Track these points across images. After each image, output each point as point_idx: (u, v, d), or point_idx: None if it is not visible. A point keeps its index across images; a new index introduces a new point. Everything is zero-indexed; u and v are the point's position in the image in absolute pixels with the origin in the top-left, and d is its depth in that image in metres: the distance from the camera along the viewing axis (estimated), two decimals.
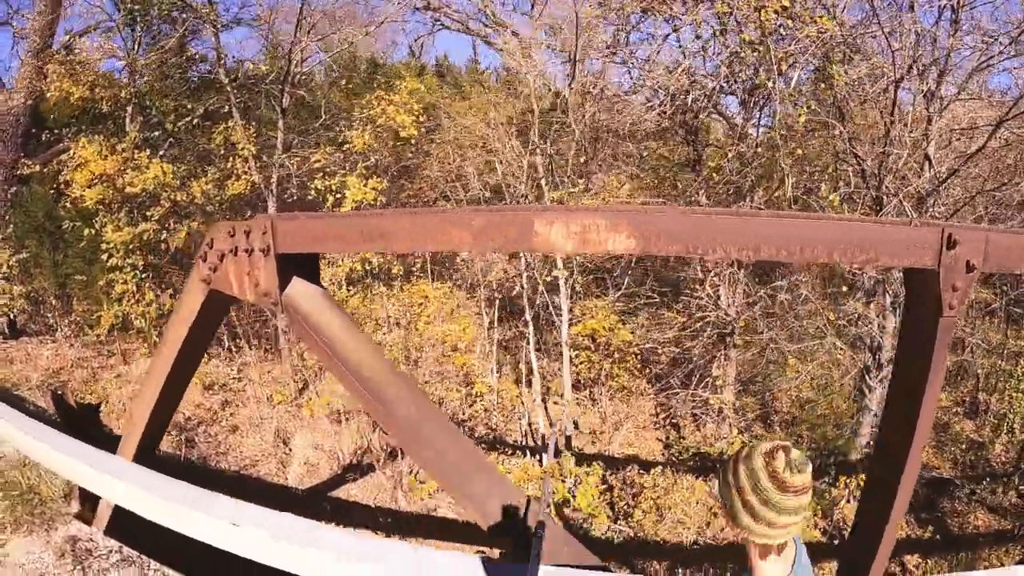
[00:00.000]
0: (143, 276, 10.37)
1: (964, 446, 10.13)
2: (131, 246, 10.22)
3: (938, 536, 8.48)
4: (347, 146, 9.98)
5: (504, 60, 14.96)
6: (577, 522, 8.70)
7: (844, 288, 10.45)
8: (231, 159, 10.33)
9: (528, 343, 9.25)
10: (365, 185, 9.29)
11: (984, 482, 9.32)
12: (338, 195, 9.48)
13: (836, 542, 8.49)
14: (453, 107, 11.44)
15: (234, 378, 10.80)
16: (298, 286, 3.47)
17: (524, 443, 9.54)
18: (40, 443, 5.58)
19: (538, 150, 9.32)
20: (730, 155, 9.66)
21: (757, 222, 2.80)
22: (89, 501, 5.77)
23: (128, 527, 5.24)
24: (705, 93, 9.53)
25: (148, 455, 5.10)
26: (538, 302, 9.57)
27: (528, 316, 9.08)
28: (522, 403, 9.68)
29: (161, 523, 4.28)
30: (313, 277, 3.58)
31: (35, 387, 9.90)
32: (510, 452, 9.24)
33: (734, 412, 10.96)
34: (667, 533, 9.08)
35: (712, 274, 10.56)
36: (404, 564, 3.25)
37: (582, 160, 10.46)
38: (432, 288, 9.56)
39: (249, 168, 10.15)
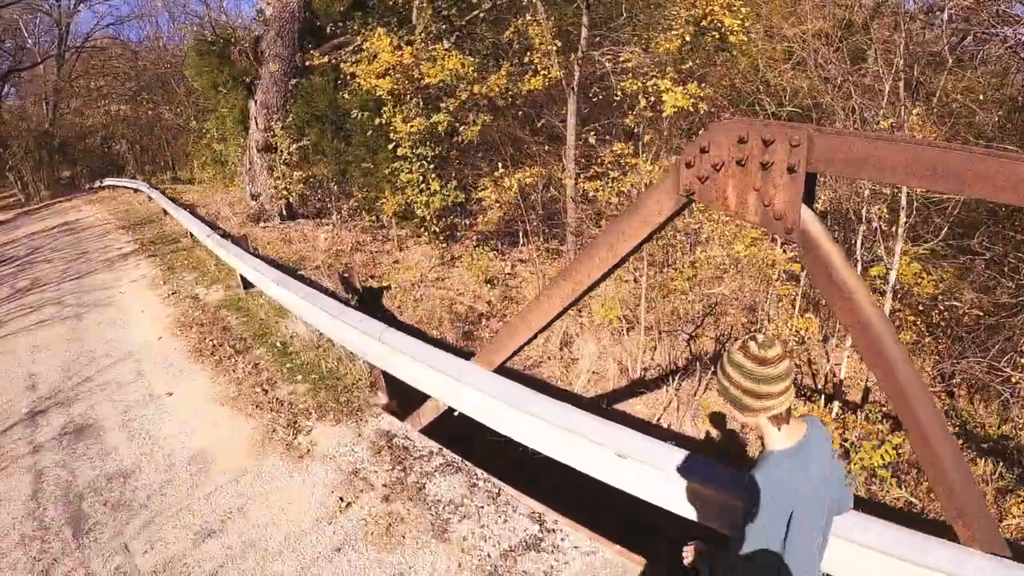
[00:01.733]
0: (430, 166, 10.47)
1: None
2: (419, 137, 10.32)
3: None
4: (658, 47, 9.28)
5: None
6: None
7: None
8: (529, 53, 9.99)
9: None
10: (684, 90, 8.58)
11: None
12: (651, 99, 8.88)
13: None
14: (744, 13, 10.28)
15: (508, 274, 10.73)
16: (805, 212, 2.89)
17: (821, 388, 8.74)
18: (369, 338, 5.21)
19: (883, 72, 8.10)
20: None
21: None
22: (397, 394, 5.48)
23: (447, 431, 4.90)
24: None
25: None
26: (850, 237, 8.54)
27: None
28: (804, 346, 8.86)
29: (526, 442, 3.97)
30: (810, 200, 3.00)
31: (319, 267, 10.30)
32: (806, 396, 8.51)
33: None
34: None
35: None
36: None
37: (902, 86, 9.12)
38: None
39: (550, 64, 9.76)
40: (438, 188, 10.25)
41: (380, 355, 5.17)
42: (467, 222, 10.72)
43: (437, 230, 10.45)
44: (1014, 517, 7.47)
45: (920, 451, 2.93)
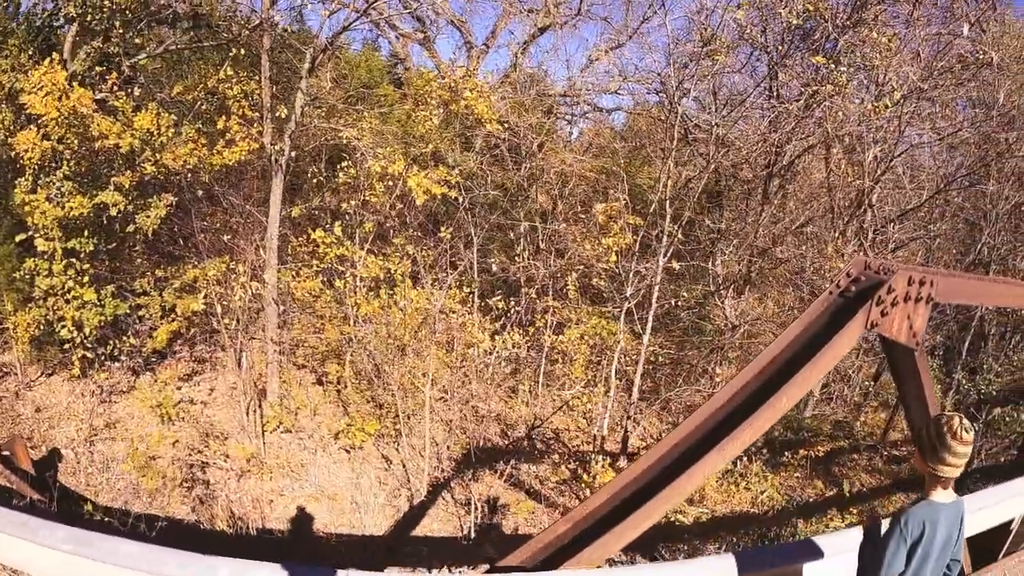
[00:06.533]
0: (85, 267, 7.43)
1: (832, 425, 12.29)
2: (74, 224, 7.28)
3: (845, 492, 9.96)
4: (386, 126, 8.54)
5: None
6: None
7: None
8: (227, 117, 7.99)
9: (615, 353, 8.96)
10: (426, 176, 8.01)
11: (859, 451, 11.42)
12: (391, 184, 8.07)
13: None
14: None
15: (186, 400, 8.40)
16: None
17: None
18: None
19: None
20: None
21: None
22: None
23: None
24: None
25: None
26: None
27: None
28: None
29: None
30: None
31: None
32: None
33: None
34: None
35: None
36: None
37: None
38: None
39: (261, 133, 7.97)
40: (93, 298, 7.34)
41: None
42: (132, 341, 8.00)
43: (90, 356, 7.54)
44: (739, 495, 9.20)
45: None
